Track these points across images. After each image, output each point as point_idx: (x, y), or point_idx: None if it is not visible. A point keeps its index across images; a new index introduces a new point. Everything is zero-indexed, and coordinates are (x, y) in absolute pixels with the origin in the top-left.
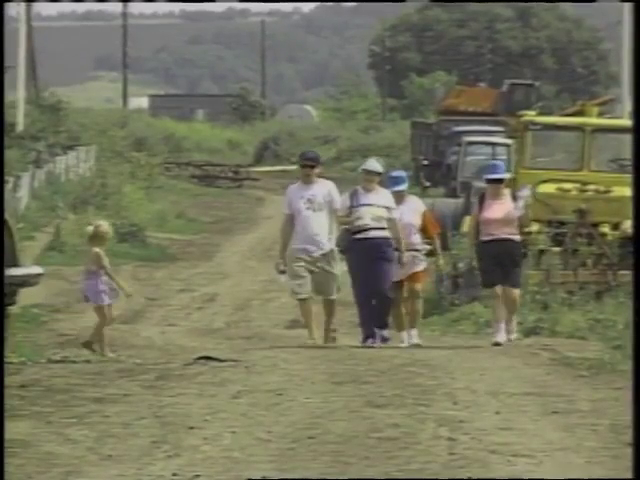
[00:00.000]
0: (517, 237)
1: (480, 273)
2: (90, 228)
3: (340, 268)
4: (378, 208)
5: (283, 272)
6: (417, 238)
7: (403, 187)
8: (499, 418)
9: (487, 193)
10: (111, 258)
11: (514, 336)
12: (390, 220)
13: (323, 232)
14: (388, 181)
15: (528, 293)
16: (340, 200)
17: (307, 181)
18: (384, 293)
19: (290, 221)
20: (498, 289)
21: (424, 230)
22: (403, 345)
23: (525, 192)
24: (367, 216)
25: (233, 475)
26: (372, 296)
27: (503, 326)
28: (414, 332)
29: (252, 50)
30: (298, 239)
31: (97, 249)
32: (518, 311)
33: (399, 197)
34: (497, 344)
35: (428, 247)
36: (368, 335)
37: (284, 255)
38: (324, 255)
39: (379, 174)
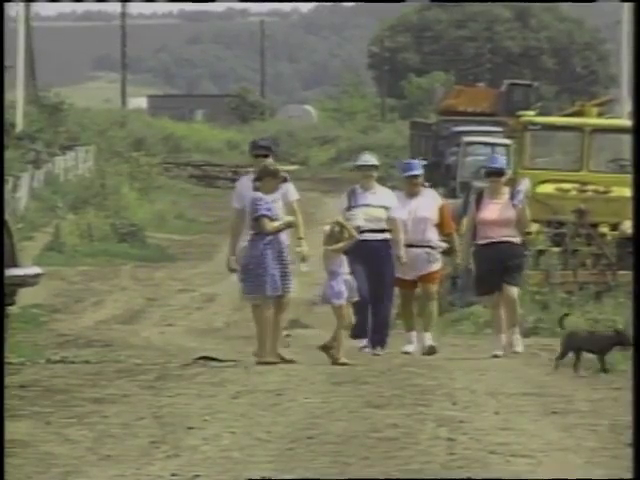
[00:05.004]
0: (517, 239)
1: (474, 281)
2: (327, 227)
3: (297, 266)
4: (375, 208)
5: (234, 270)
6: (433, 234)
7: (418, 172)
8: (498, 418)
9: (485, 191)
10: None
11: (519, 348)
12: (390, 220)
13: None
14: (401, 167)
15: (528, 293)
16: (296, 194)
17: None
18: (383, 304)
19: (240, 216)
20: (496, 298)
21: (440, 226)
22: (409, 348)
23: (524, 186)
24: (360, 217)
25: (232, 475)
26: (369, 303)
27: (504, 338)
28: (428, 335)
29: (251, 50)
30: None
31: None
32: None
33: (414, 187)
34: (496, 356)
35: (444, 245)
36: (357, 334)
37: (235, 252)
38: None
39: (376, 167)
